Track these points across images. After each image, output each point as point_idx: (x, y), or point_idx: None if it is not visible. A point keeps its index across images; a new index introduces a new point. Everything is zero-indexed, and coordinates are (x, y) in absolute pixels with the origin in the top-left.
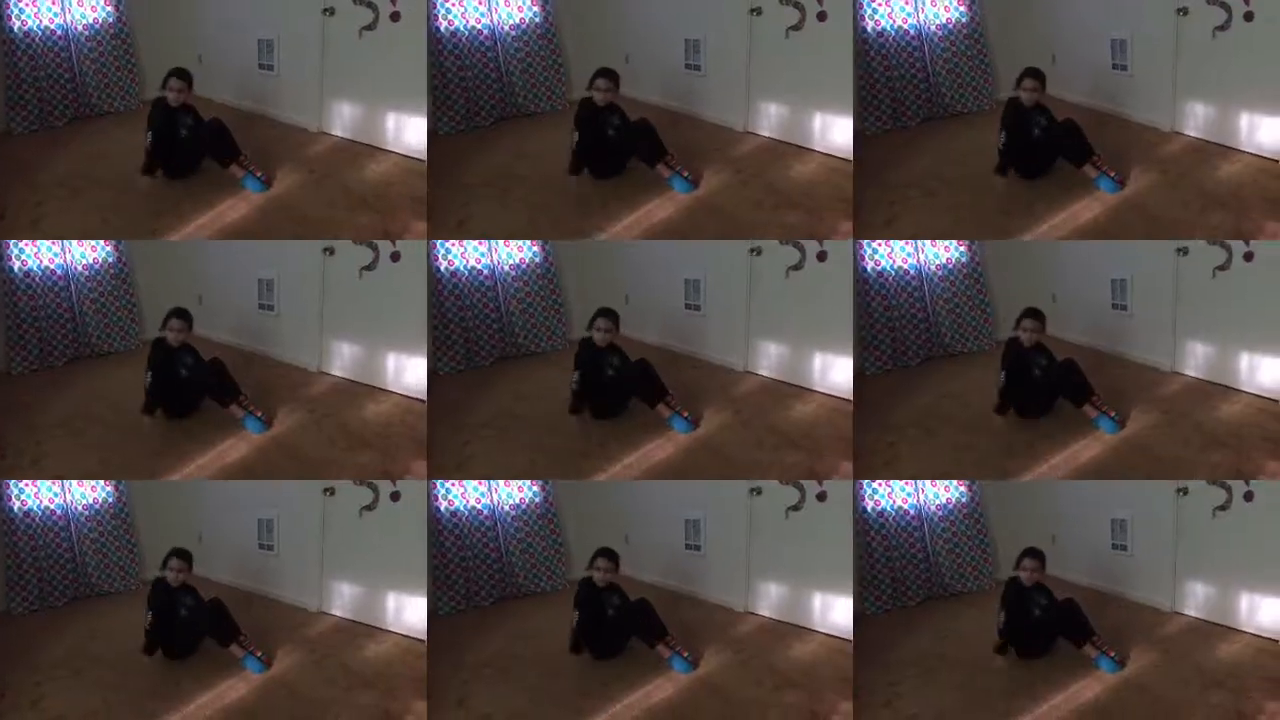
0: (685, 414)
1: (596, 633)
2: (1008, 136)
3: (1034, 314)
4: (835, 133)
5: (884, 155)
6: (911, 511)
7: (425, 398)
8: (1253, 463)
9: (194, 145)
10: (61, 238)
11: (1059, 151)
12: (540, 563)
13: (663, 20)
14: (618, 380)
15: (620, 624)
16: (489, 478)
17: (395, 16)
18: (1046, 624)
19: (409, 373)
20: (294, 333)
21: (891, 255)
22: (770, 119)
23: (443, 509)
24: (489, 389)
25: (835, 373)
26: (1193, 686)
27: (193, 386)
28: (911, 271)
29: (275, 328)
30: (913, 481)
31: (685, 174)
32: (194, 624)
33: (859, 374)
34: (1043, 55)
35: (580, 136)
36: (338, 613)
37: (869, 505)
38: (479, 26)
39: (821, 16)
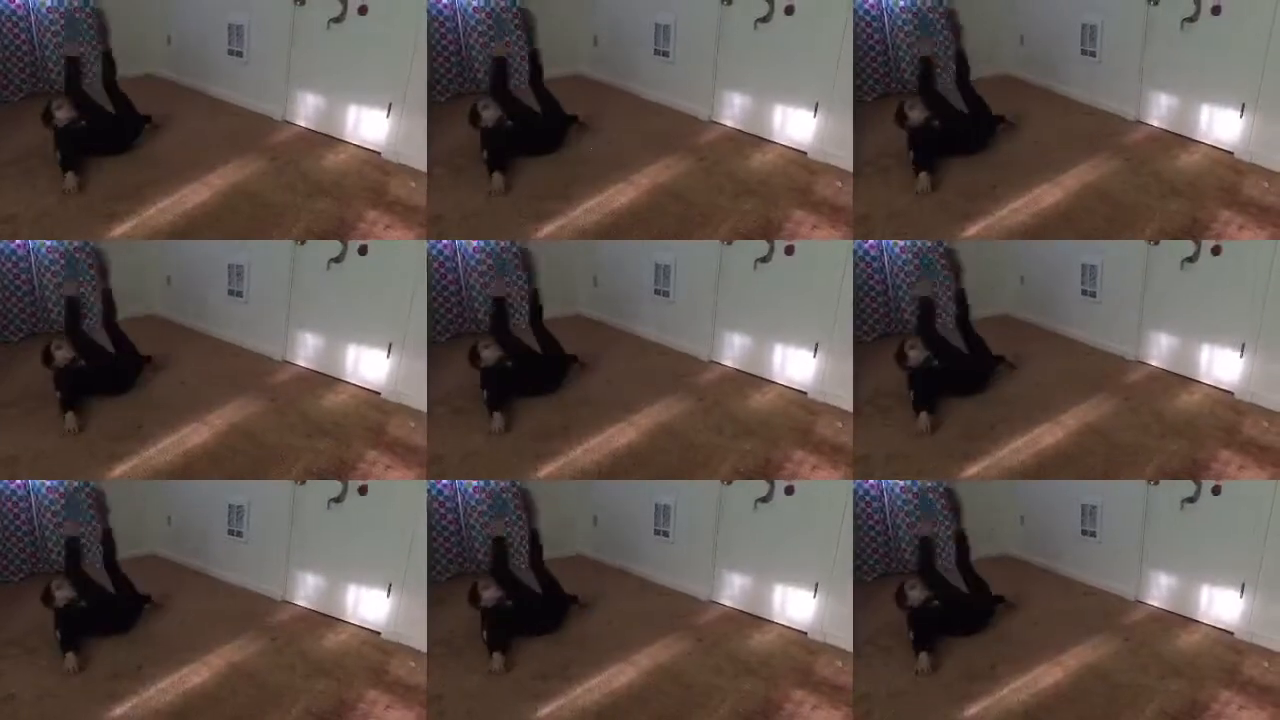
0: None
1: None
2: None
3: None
4: (793, 126)
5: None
6: (871, 484)
7: (382, 390)
8: (1207, 451)
9: (106, 133)
10: (16, 217)
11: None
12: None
13: (633, 3)
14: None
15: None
16: (453, 468)
17: (363, 10)
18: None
19: (369, 363)
20: (262, 321)
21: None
22: (734, 109)
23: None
24: (449, 365)
25: (794, 365)
26: (1151, 674)
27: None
28: (872, 246)
29: (244, 315)
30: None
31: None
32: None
33: (855, 365)
34: (1010, 36)
35: (491, 155)
36: (301, 602)
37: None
38: (441, 3)
39: (789, 10)
